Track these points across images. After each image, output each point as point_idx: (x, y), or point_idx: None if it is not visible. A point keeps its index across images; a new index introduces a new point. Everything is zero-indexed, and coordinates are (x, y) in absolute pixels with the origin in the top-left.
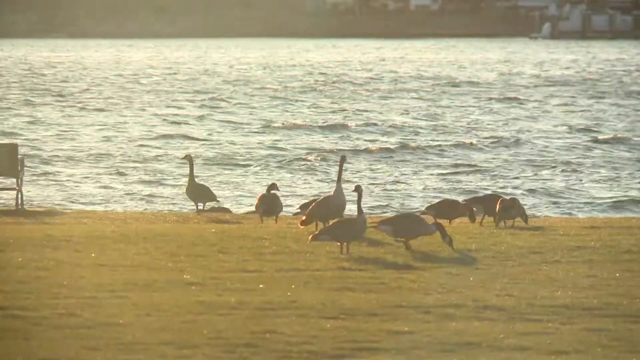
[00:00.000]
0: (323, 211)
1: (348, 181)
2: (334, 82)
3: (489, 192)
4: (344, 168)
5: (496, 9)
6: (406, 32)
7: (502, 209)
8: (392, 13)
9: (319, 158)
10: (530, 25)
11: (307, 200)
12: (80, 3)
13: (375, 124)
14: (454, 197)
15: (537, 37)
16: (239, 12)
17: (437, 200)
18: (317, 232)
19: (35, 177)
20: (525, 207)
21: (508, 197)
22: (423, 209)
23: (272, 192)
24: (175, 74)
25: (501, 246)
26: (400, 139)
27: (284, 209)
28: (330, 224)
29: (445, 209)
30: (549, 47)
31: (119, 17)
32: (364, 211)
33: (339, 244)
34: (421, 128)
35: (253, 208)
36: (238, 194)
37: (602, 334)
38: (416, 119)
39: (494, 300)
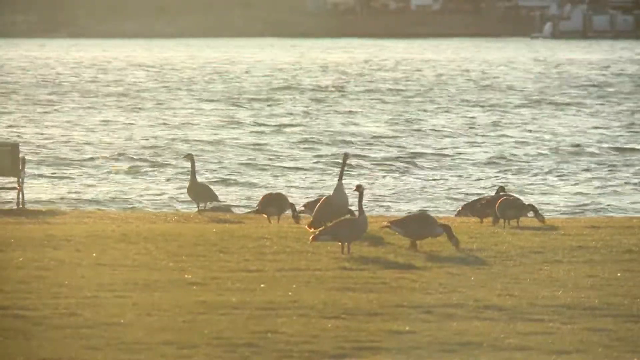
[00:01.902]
0: (328, 211)
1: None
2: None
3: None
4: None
5: (497, 9)
6: (407, 32)
7: (509, 208)
8: (393, 13)
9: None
10: (531, 25)
11: (312, 199)
12: (80, 3)
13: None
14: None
15: (539, 37)
16: (239, 12)
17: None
18: (317, 232)
19: (36, 177)
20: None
21: (510, 196)
22: (459, 208)
23: (278, 192)
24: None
25: (502, 246)
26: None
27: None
28: (332, 223)
29: (478, 208)
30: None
31: (119, 17)
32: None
33: (339, 243)
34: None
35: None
36: (246, 194)
37: (604, 334)
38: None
39: (495, 300)
